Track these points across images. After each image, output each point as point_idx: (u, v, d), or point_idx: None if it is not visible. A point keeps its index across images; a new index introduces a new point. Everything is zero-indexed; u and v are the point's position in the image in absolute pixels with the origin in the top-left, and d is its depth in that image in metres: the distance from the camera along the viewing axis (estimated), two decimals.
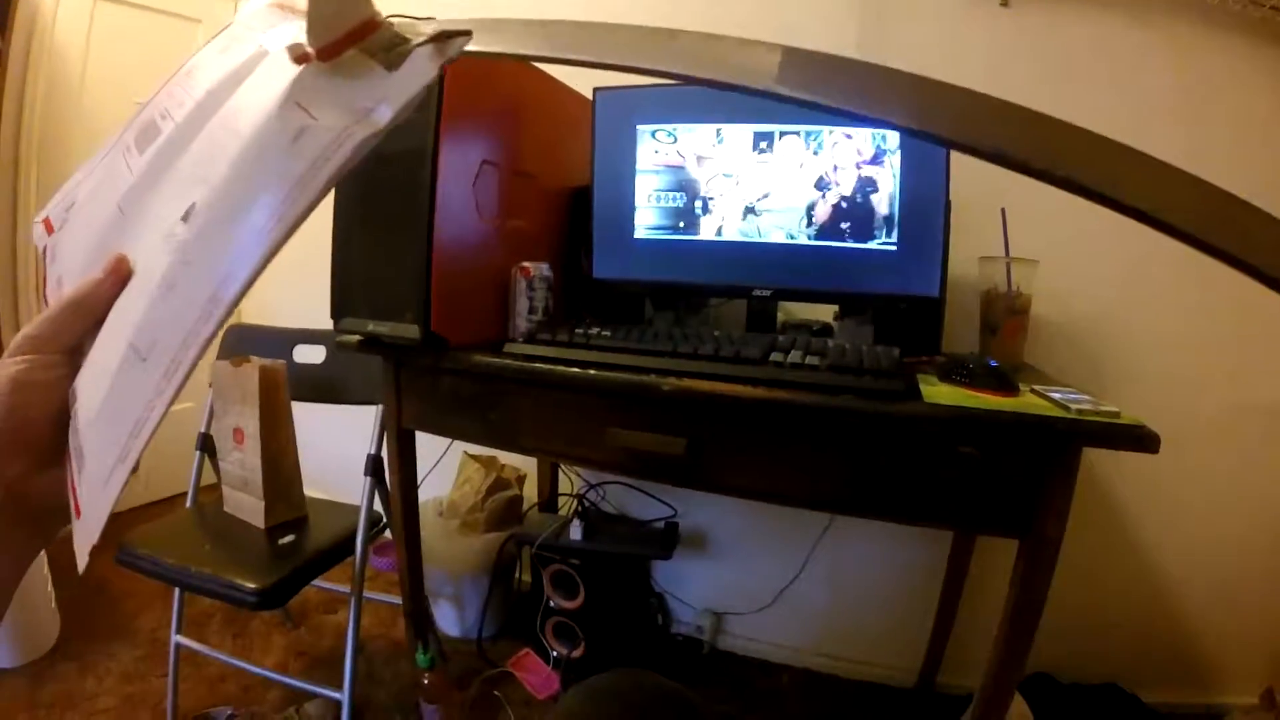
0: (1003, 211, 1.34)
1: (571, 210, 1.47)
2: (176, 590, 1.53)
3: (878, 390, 0.96)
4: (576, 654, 1.76)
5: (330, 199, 1.25)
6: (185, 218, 0.36)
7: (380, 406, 1.50)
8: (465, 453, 2.02)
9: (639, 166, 1.38)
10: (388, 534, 1.64)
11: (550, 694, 1.70)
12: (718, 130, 1.33)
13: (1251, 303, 1.55)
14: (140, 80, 2.29)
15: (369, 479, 1.51)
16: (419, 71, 0.33)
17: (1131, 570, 1.71)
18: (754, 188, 1.33)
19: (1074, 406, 0.94)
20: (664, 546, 1.75)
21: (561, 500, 2.02)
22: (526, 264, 1.21)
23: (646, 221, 1.40)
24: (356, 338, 1.23)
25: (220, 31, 0.50)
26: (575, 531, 1.73)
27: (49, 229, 0.51)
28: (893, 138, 1.27)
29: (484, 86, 1.18)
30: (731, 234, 1.35)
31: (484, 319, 1.23)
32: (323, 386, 1.61)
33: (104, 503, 0.34)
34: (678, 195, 1.37)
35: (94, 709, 1.57)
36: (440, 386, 1.25)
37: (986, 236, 1.37)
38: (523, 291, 1.21)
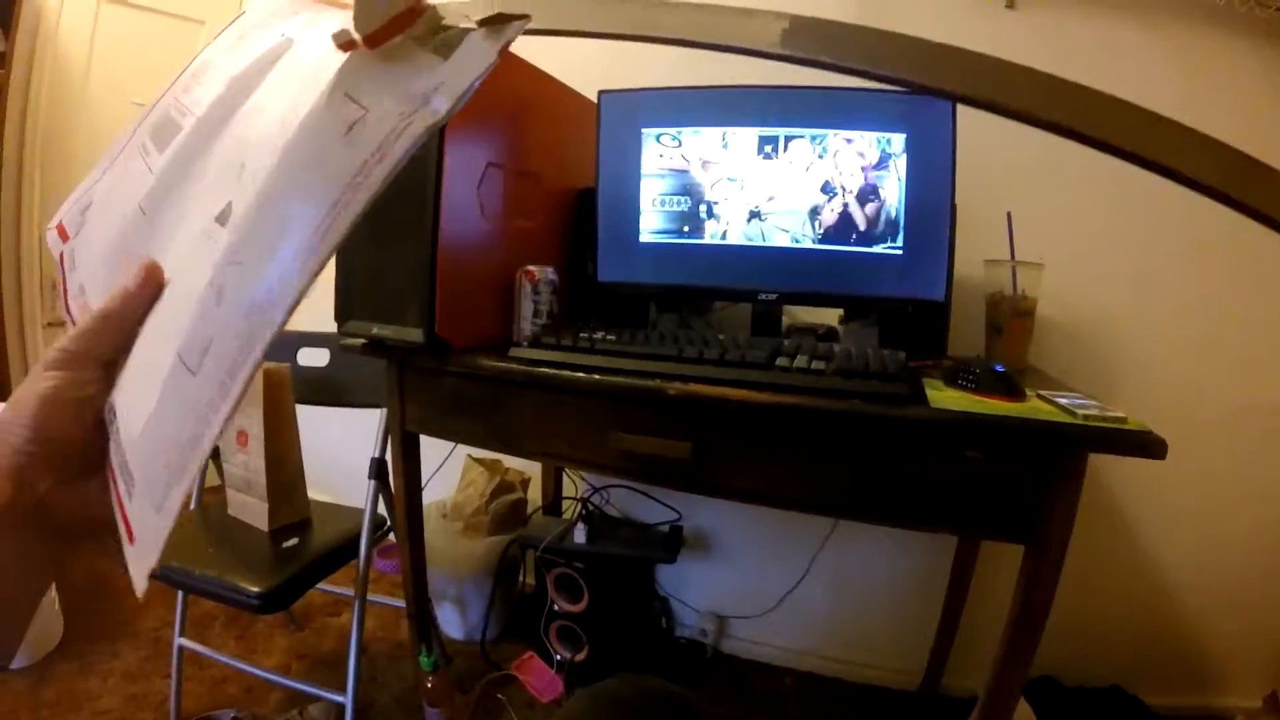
0: (1008, 215, 1.34)
1: (576, 213, 1.47)
2: (179, 592, 1.53)
3: (884, 394, 0.96)
4: (580, 657, 1.75)
5: None
6: (221, 219, 0.34)
7: (384, 409, 1.50)
8: (469, 456, 2.01)
9: (644, 170, 1.37)
10: (391, 537, 1.64)
11: (553, 697, 1.70)
12: (723, 134, 1.33)
13: (1255, 306, 1.54)
14: (144, 82, 2.29)
15: (373, 482, 1.51)
16: (476, 56, 0.32)
17: (1135, 572, 1.70)
18: (759, 191, 1.33)
19: (1080, 412, 0.93)
20: (668, 550, 1.75)
21: (565, 503, 2.01)
22: (531, 268, 1.21)
23: (651, 225, 1.39)
24: (360, 340, 1.23)
25: (228, 25, 0.49)
26: (579, 535, 1.73)
27: (63, 235, 0.50)
28: (898, 141, 1.27)
29: (489, 88, 1.17)
30: (736, 238, 1.35)
31: (488, 322, 1.23)
32: (327, 389, 1.61)
33: (161, 528, 0.32)
34: (682, 199, 1.37)
35: (96, 710, 1.57)
36: (444, 389, 1.25)
37: (992, 240, 1.36)
38: (527, 295, 1.21)
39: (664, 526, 1.84)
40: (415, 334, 1.11)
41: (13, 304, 2.05)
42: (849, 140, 1.28)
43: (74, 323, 0.43)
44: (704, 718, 0.75)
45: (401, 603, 1.61)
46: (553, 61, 1.33)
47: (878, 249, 1.29)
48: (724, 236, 1.36)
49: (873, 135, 1.27)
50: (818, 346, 1.11)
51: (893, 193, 1.28)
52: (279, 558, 1.39)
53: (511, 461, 2.02)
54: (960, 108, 1.27)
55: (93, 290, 0.43)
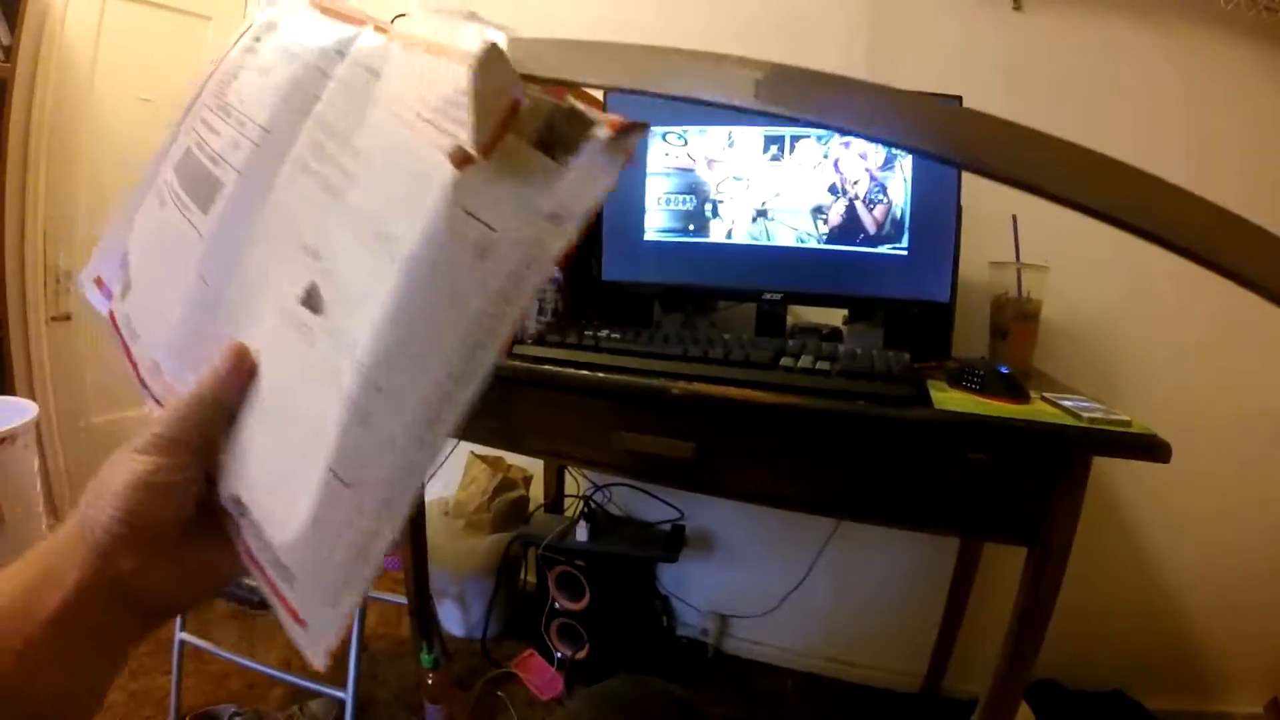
0: (1014, 217, 1.33)
1: None
2: None
3: (889, 395, 0.96)
4: (581, 655, 1.75)
5: None
6: (311, 304, 0.33)
7: None
8: (471, 453, 2.01)
9: (649, 169, 1.37)
10: None
11: (554, 695, 1.70)
12: (729, 133, 1.33)
13: (1261, 311, 1.53)
14: (150, 78, 2.29)
15: None
16: (598, 172, 0.29)
17: (1138, 577, 1.70)
18: (765, 191, 1.33)
19: (1085, 415, 0.93)
20: (670, 549, 1.75)
21: (568, 501, 2.01)
22: None
23: (656, 224, 1.39)
24: None
25: (243, 34, 0.46)
26: (581, 533, 1.73)
27: (102, 288, 0.49)
28: None
29: None
30: (741, 237, 1.35)
31: None
32: None
33: (337, 620, 0.33)
34: (688, 198, 1.37)
35: None
36: None
37: (997, 242, 1.36)
38: None
39: (666, 525, 1.84)
40: None
41: (16, 298, 2.05)
42: (855, 140, 1.28)
43: (154, 398, 0.43)
44: (706, 719, 0.75)
45: (403, 599, 1.61)
46: None
47: (883, 250, 1.29)
48: (729, 235, 1.36)
49: None
50: (822, 347, 1.10)
51: (898, 194, 1.28)
52: None
53: (514, 459, 2.01)
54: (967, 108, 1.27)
55: (171, 368, 0.41)
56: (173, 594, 0.37)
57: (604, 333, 1.14)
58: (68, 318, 2.19)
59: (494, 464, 1.98)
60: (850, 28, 1.67)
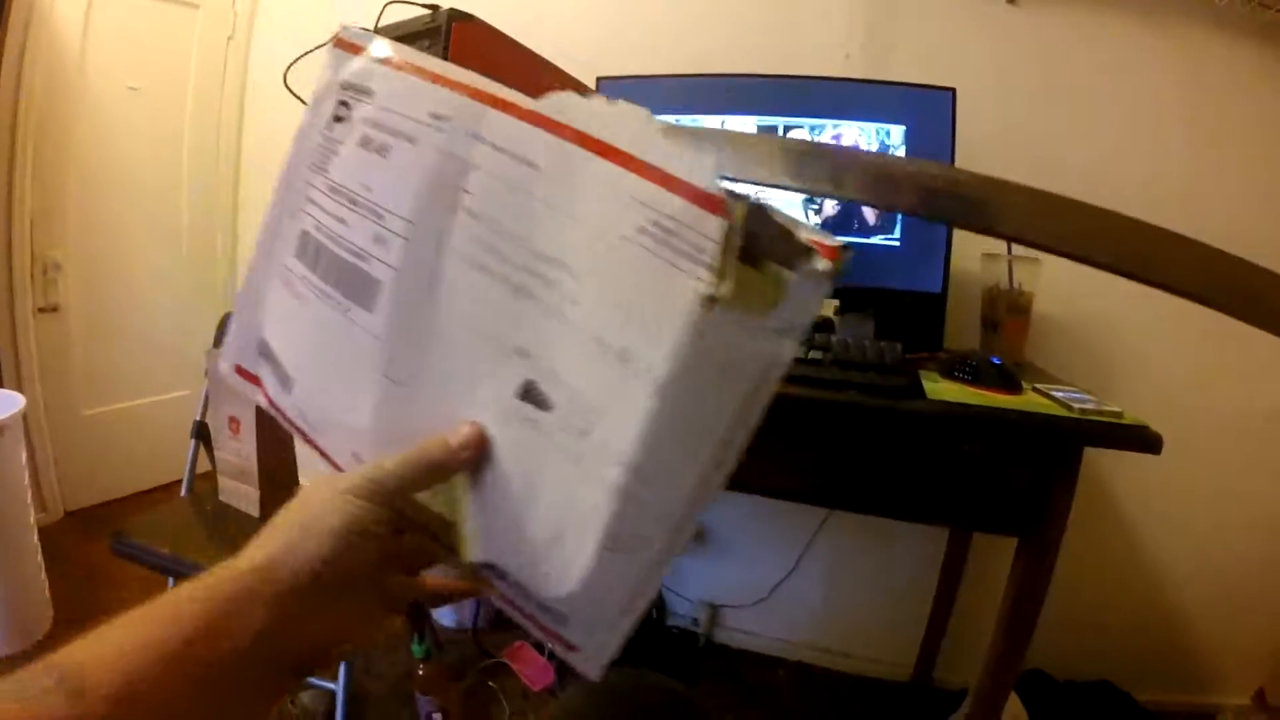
0: None
1: None
2: (170, 579, 1.52)
3: (881, 386, 0.96)
4: None
5: None
6: (538, 401, 0.35)
7: None
8: None
9: None
10: None
11: (545, 685, 1.70)
12: (722, 123, 1.32)
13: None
14: (139, 68, 2.27)
15: None
16: (813, 294, 0.32)
17: (1128, 569, 1.71)
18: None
19: (1077, 406, 0.93)
20: None
21: None
22: None
23: None
24: None
25: (322, 97, 0.46)
26: None
27: (245, 375, 0.50)
28: (897, 133, 1.27)
29: (486, 70, 1.16)
30: None
31: None
32: None
33: (614, 640, 0.39)
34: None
35: None
36: None
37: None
38: None
39: None
40: None
41: (4, 289, 2.03)
42: (848, 131, 1.28)
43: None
44: (701, 714, 0.75)
45: None
46: (549, 46, 1.32)
47: (876, 240, 1.29)
48: None
49: (872, 126, 1.27)
50: (814, 337, 1.10)
51: None
52: None
53: None
54: (960, 101, 1.27)
55: (379, 454, 0.41)
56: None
57: None
58: (55, 309, 2.17)
59: None
60: (846, 19, 1.66)
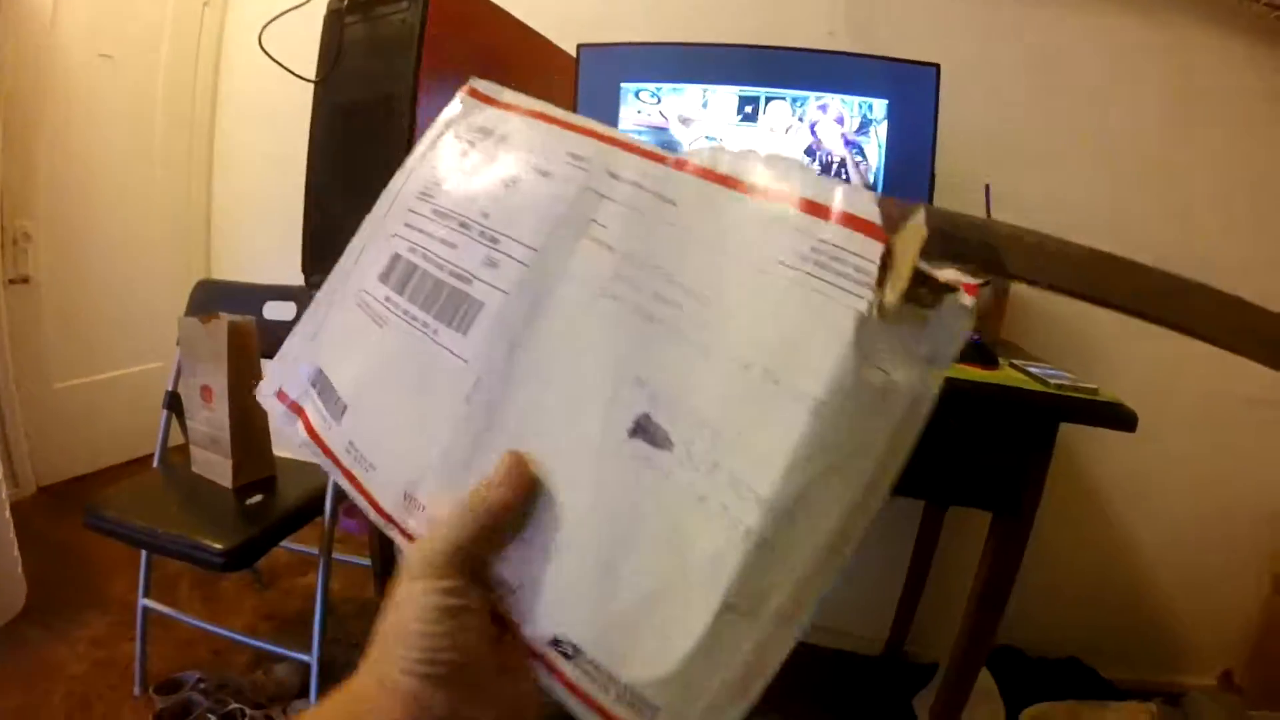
0: (986, 188, 1.33)
1: None
2: (144, 552, 1.50)
3: None
4: None
5: (303, 149, 1.22)
6: (646, 435, 0.32)
7: None
8: None
9: (621, 126, 1.35)
10: None
11: None
12: (704, 92, 1.31)
13: (1233, 284, 1.55)
14: (112, 34, 2.22)
15: None
16: (958, 322, 0.30)
17: (1100, 549, 1.73)
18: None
19: (1054, 382, 0.94)
20: None
21: None
22: None
23: None
24: None
25: (440, 136, 0.45)
26: None
27: (285, 400, 0.47)
28: (879, 107, 1.26)
29: (466, 34, 1.14)
30: None
31: None
32: None
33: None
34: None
35: (63, 675, 1.54)
36: None
37: (969, 210, 1.35)
38: None
39: None
40: None
41: None
42: (830, 104, 1.27)
43: (403, 532, 0.40)
44: None
45: (368, 562, 1.60)
46: (529, 10, 1.30)
47: None
48: None
49: (855, 100, 1.26)
50: None
51: (873, 159, 1.27)
52: (243, 515, 1.37)
53: None
54: (944, 77, 1.27)
55: (447, 503, 0.38)
56: None
57: None
58: (26, 280, 2.13)
59: None
60: (825, 4, 1.65)
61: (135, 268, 2.43)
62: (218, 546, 1.25)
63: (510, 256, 0.39)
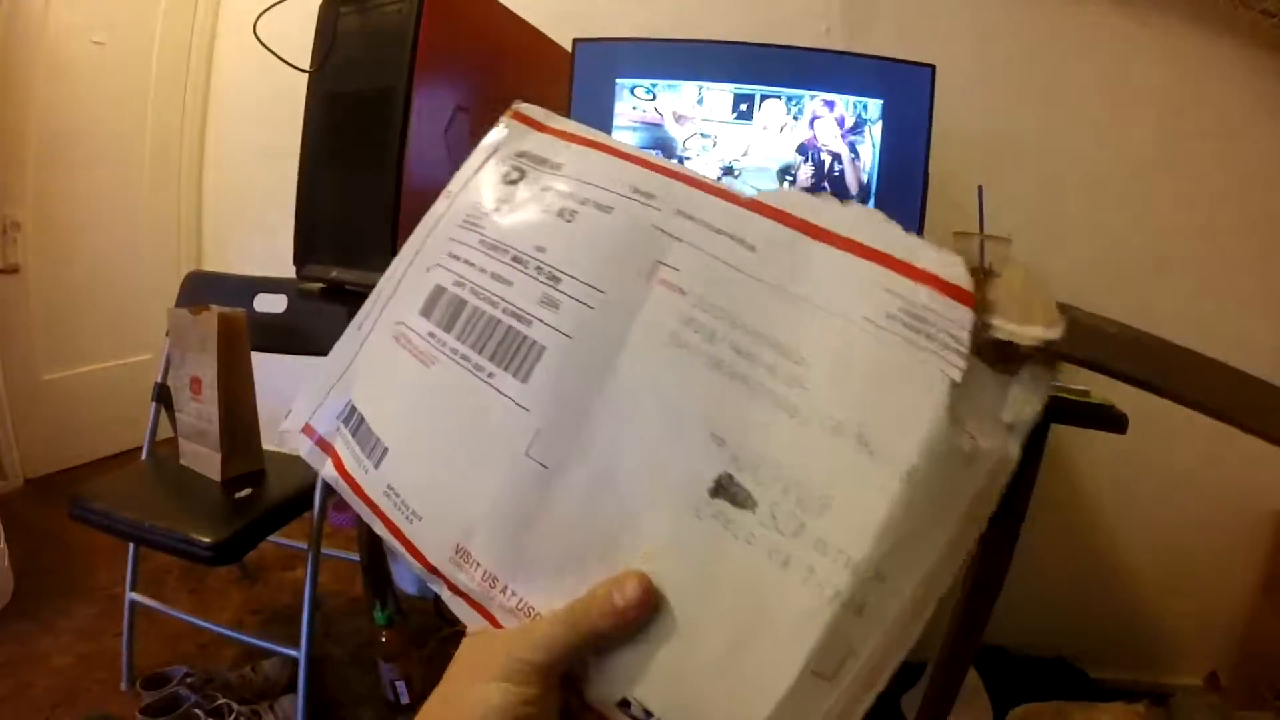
0: (979, 188, 1.33)
1: None
2: (131, 545, 1.49)
3: None
4: None
5: (296, 140, 1.21)
6: (728, 495, 0.31)
7: None
8: None
9: (616, 123, 1.35)
10: None
11: None
12: (699, 89, 1.30)
13: (1222, 293, 1.56)
14: (105, 20, 2.20)
15: None
16: (1039, 388, 0.31)
17: (1088, 550, 1.74)
18: (732, 149, 1.31)
19: None
20: None
21: None
22: None
23: None
24: (319, 285, 1.19)
25: (484, 162, 0.44)
26: None
27: (313, 436, 0.45)
28: (874, 107, 1.26)
29: (462, 27, 1.14)
30: None
31: None
32: (284, 336, 1.56)
33: None
34: (655, 153, 1.34)
35: (50, 668, 1.53)
36: None
37: (962, 212, 1.36)
38: None
39: None
40: (376, 278, 1.08)
41: None
42: (826, 103, 1.27)
43: (452, 587, 0.38)
44: None
45: (356, 557, 1.59)
46: (524, 4, 1.30)
47: None
48: None
49: (850, 99, 1.26)
50: None
51: (867, 158, 1.27)
52: (232, 508, 1.36)
53: None
54: (939, 79, 1.27)
55: (498, 563, 0.36)
56: None
57: None
58: (15, 270, 2.12)
59: None
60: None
61: (125, 258, 2.42)
62: (206, 540, 1.24)
63: (572, 297, 0.36)
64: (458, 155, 1.16)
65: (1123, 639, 1.75)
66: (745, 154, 1.30)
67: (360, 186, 1.08)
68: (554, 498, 0.35)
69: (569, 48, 1.36)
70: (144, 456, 1.58)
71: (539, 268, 0.38)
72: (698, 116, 1.31)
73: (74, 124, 2.21)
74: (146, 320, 2.34)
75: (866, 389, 0.31)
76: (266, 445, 1.53)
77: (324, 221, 1.16)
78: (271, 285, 1.58)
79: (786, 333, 0.33)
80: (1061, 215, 1.59)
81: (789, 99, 1.27)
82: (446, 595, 0.38)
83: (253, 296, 1.58)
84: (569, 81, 1.35)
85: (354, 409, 0.43)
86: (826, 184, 1.29)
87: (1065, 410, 0.92)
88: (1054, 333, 0.30)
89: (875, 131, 1.26)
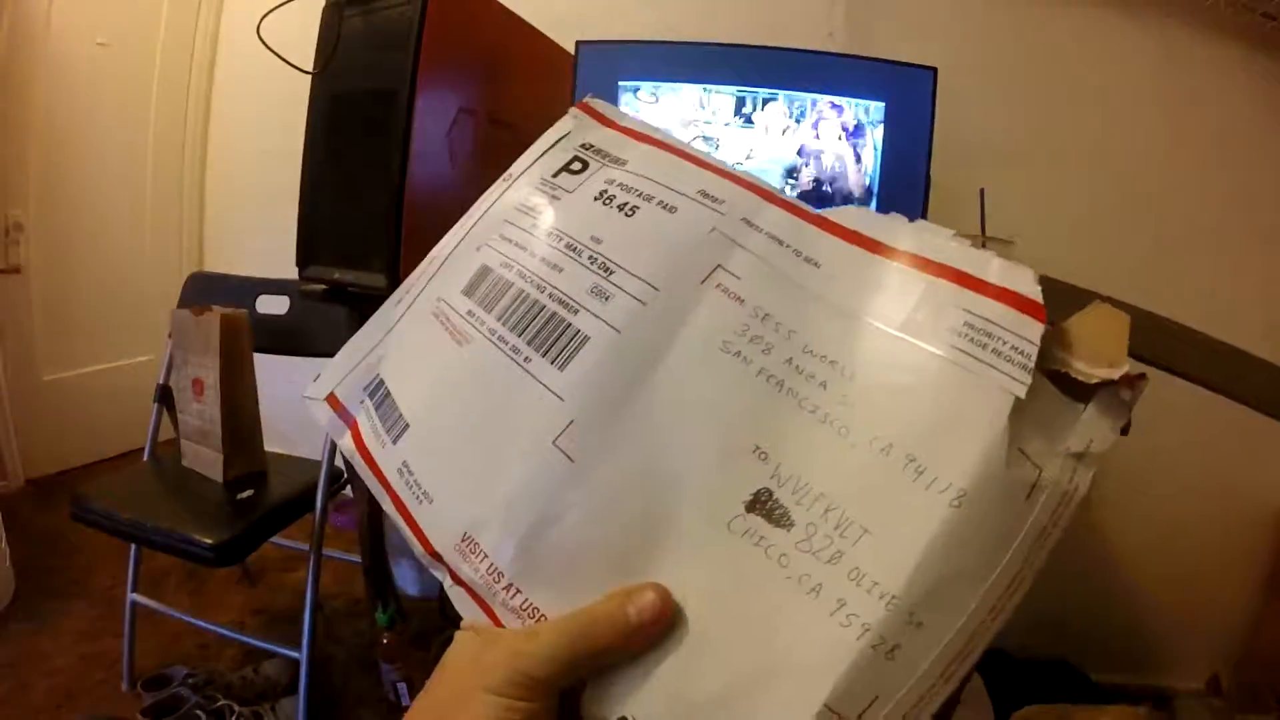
0: (981, 192, 1.33)
1: None
2: (132, 546, 1.49)
3: None
4: None
5: (299, 142, 1.21)
6: (764, 511, 0.29)
7: None
8: None
9: None
10: (348, 491, 1.62)
11: None
12: (702, 90, 1.30)
13: (1224, 295, 1.56)
14: (108, 21, 2.21)
15: None
16: (1112, 411, 0.29)
17: (1089, 553, 1.73)
18: (735, 151, 1.31)
19: None
20: None
21: None
22: None
23: None
24: (321, 286, 1.20)
25: (549, 148, 0.43)
26: None
27: (339, 409, 0.44)
28: (876, 110, 1.26)
29: (465, 29, 1.14)
30: None
31: None
32: (286, 337, 1.56)
33: None
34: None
35: (50, 669, 1.53)
36: None
37: (963, 216, 1.36)
38: None
39: None
40: (378, 280, 1.08)
41: None
42: (828, 105, 1.27)
43: (455, 577, 0.36)
44: None
45: (358, 558, 1.59)
46: (527, 6, 1.30)
47: None
48: None
49: (852, 102, 1.26)
50: None
51: (869, 161, 1.27)
52: (234, 509, 1.36)
53: None
54: (941, 82, 1.27)
55: (506, 557, 0.34)
56: None
57: None
58: (17, 270, 2.12)
59: None
60: (824, 5, 1.65)
61: (127, 259, 2.42)
62: (208, 541, 1.24)
63: (625, 290, 0.35)
64: (460, 157, 1.17)
65: (1125, 642, 1.75)
66: (748, 156, 1.31)
67: (363, 188, 1.09)
68: (575, 494, 0.33)
69: (571, 50, 1.37)
70: (145, 457, 1.58)
71: (593, 258, 0.37)
72: (700, 119, 1.31)
73: (77, 125, 2.21)
74: (148, 321, 2.34)
75: (923, 409, 0.29)
76: (268, 446, 1.53)
77: (326, 223, 1.17)
78: (274, 286, 1.58)
79: (844, 351, 0.31)
80: (1062, 218, 1.59)
81: (790, 101, 1.28)
82: (448, 584, 0.37)
83: (255, 297, 1.58)
84: (571, 83, 1.36)
85: (381, 382, 0.42)
86: (828, 187, 1.29)
87: None
88: (1117, 373, 0.28)
89: (877, 134, 1.27)
